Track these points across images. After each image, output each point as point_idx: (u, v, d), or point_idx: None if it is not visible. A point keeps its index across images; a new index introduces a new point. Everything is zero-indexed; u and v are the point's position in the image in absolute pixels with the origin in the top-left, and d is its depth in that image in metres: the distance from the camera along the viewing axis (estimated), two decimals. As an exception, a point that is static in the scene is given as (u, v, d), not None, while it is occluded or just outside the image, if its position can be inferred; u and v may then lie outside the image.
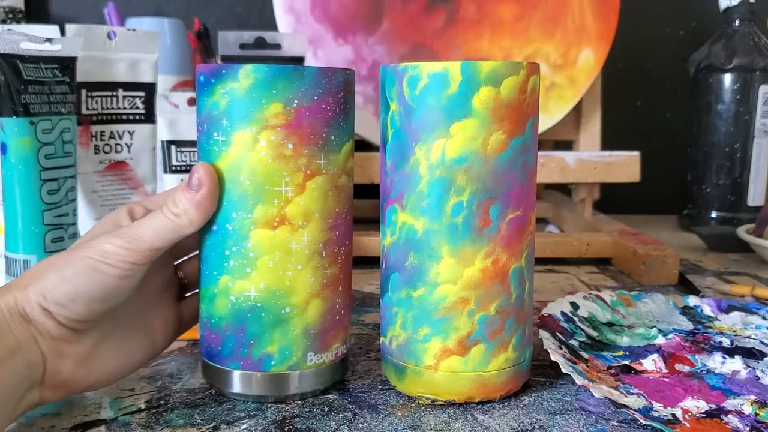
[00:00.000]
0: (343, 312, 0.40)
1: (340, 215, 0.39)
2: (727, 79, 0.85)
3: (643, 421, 0.35)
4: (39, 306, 0.34)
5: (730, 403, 0.38)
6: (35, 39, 0.48)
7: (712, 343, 0.46)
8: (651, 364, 0.42)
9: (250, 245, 0.37)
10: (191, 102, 0.57)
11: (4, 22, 0.89)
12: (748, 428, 0.35)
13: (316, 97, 0.37)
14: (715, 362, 0.43)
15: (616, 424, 0.36)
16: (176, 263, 0.42)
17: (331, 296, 0.39)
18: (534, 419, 0.37)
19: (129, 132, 0.57)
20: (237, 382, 0.38)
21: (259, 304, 0.37)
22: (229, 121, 0.36)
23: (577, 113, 0.83)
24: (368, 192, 0.71)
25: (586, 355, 0.43)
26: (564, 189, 0.93)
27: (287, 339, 0.38)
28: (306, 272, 0.37)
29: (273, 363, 0.38)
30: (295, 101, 0.36)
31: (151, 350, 0.40)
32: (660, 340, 0.47)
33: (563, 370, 0.38)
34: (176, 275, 0.42)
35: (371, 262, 0.68)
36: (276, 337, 0.37)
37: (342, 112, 0.38)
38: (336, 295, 0.39)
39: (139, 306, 0.39)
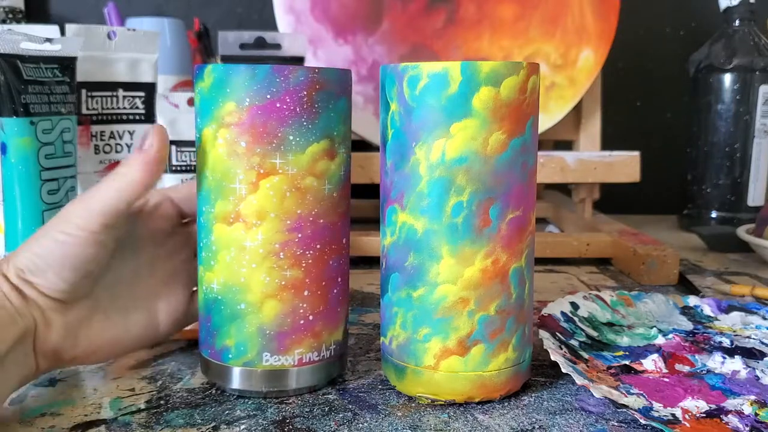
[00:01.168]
0: (311, 318, 0.38)
1: (305, 218, 0.38)
2: (727, 79, 0.85)
3: (643, 421, 0.35)
4: (19, 278, 0.36)
5: (730, 403, 0.38)
6: (35, 39, 0.48)
7: (712, 343, 0.47)
8: (651, 364, 0.42)
9: (213, 239, 0.38)
10: (191, 102, 0.57)
11: (4, 22, 0.89)
12: (748, 428, 0.35)
13: (269, 96, 0.36)
14: (715, 362, 0.43)
15: (616, 424, 0.36)
16: None
17: (291, 299, 0.38)
18: (534, 419, 0.37)
19: (129, 132, 0.57)
20: (207, 369, 0.40)
21: (219, 297, 0.38)
22: (200, 118, 0.39)
23: (577, 113, 0.83)
24: (368, 192, 0.71)
25: (586, 355, 0.43)
26: (564, 189, 0.93)
27: (242, 335, 0.38)
28: (260, 271, 0.37)
29: (230, 356, 0.39)
30: (247, 100, 0.37)
31: (153, 333, 0.41)
32: (660, 340, 0.47)
33: (563, 370, 0.38)
34: (191, 264, 0.43)
35: (371, 262, 0.68)
36: (233, 332, 0.38)
37: (305, 111, 0.37)
38: (299, 299, 0.38)
39: (144, 288, 0.41)
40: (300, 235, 0.38)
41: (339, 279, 0.40)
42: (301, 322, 0.38)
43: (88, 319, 0.38)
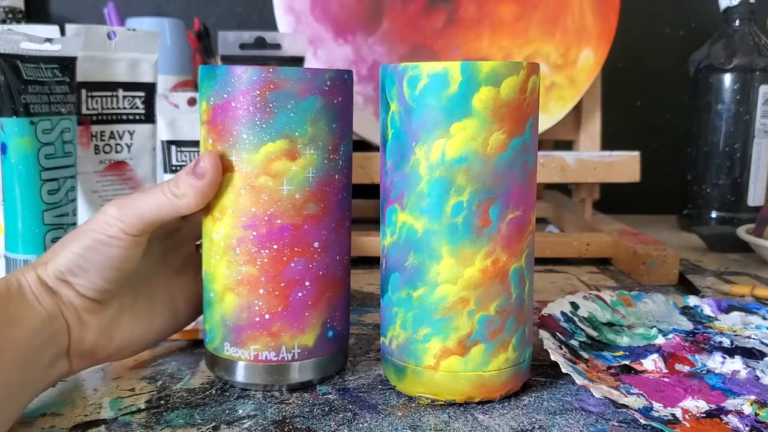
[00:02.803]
0: (267, 317, 0.38)
1: (260, 217, 0.38)
2: (727, 79, 0.85)
3: (643, 421, 0.35)
4: (58, 279, 0.37)
5: (730, 403, 0.38)
6: (35, 39, 0.48)
7: (712, 343, 0.47)
8: (651, 364, 0.42)
9: (202, 228, 0.41)
10: (191, 102, 0.57)
11: (4, 22, 0.89)
12: (748, 428, 0.35)
13: (226, 95, 0.38)
14: (715, 362, 0.43)
15: (616, 424, 0.36)
16: (197, 243, 0.45)
17: (246, 295, 0.38)
18: (534, 419, 0.37)
19: (129, 132, 0.57)
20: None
21: (204, 284, 0.41)
22: None
23: (577, 113, 0.83)
24: (368, 192, 0.71)
25: (586, 355, 0.43)
26: (564, 189, 0.93)
27: (212, 321, 0.40)
28: (222, 264, 0.39)
29: (208, 340, 0.41)
30: (212, 99, 0.38)
31: (174, 322, 0.43)
32: (660, 340, 0.47)
33: (563, 370, 0.38)
34: (198, 252, 0.45)
35: (371, 262, 0.68)
36: (208, 317, 0.41)
37: (259, 111, 0.37)
38: (254, 296, 0.38)
39: (161, 280, 0.43)
40: (255, 233, 0.38)
41: (307, 283, 0.39)
42: (257, 319, 0.39)
43: (118, 317, 0.40)
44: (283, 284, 0.38)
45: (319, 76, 0.38)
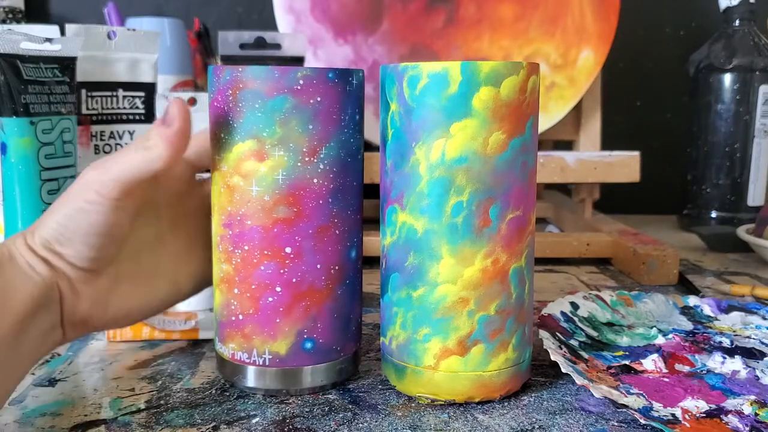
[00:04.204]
0: (241, 318, 0.38)
1: (233, 215, 0.38)
2: (727, 79, 0.85)
3: (643, 421, 0.35)
4: (46, 249, 0.36)
5: (730, 403, 0.38)
6: (35, 39, 0.48)
7: (712, 343, 0.47)
8: (651, 364, 0.42)
9: None
10: (191, 102, 0.57)
11: (4, 22, 0.89)
12: (748, 428, 0.35)
13: (211, 95, 0.39)
14: (715, 362, 0.43)
15: (616, 424, 0.36)
16: None
17: (226, 292, 0.39)
18: (534, 419, 0.37)
19: (129, 132, 0.57)
20: None
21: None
22: None
23: (577, 113, 0.83)
24: (368, 192, 0.71)
25: (586, 355, 0.43)
26: (564, 189, 0.93)
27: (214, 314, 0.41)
28: (215, 258, 0.40)
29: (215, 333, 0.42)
30: (208, 98, 0.39)
31: (176, 295, 0.42)
32: (660, 340, 0.47)
33: (563, 370, 0.38)
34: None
35: (371, 262, 0.68)
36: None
37: (231, 110, 0.37)
38: (230, 295, 0.38)
39: (167, 251, 0.41)
40: (230, 232, 0.38)
41: (278, 288, 0.38)
42: (233, 318, 0.39)
43: (115, 287, 0.38)
44: (253, 286, 0.38)
45: (290, 75, 0.36)
